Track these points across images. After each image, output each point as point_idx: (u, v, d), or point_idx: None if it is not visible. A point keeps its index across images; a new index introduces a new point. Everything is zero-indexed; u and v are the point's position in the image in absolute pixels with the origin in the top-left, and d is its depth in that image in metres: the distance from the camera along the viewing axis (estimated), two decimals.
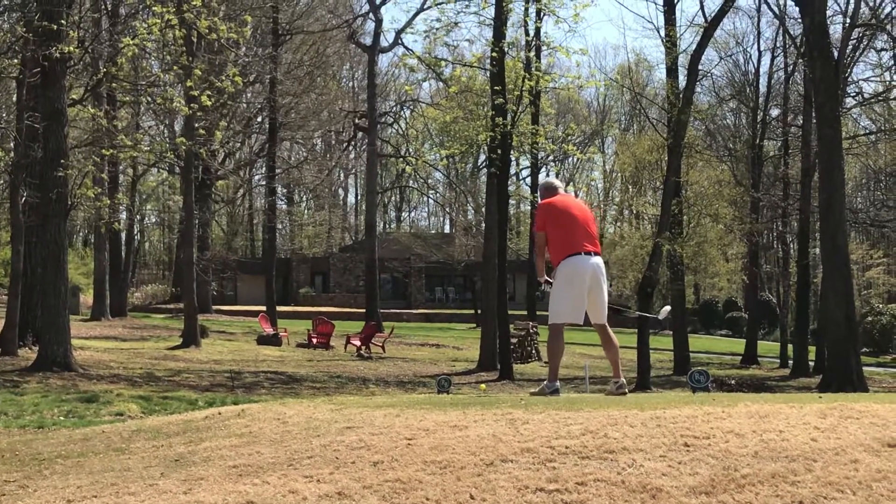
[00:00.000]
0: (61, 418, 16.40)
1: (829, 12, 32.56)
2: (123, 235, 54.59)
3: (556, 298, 10.19)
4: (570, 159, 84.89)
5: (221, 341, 39.54)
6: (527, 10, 35.27)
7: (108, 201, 32.45)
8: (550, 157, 69.28)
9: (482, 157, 66.06)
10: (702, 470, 6.27)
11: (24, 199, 27.80)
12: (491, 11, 33.22)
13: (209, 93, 27.18)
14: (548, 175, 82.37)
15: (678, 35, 36.72)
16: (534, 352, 38.82)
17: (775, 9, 45.52)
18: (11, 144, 29.72)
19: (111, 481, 7.13)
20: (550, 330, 10.38)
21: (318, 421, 8.81)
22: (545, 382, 10.40)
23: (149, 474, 7.33)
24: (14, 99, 32.64)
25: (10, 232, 31.80)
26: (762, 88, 50.06)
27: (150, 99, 33.78)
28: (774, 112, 50.97)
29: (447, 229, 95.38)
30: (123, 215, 53.18)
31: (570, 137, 59.49)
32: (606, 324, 10.36)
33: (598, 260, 10.18)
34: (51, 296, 24.21)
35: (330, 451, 7.42)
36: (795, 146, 46.38)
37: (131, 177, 57.63)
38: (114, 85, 30.25)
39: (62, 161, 24.29)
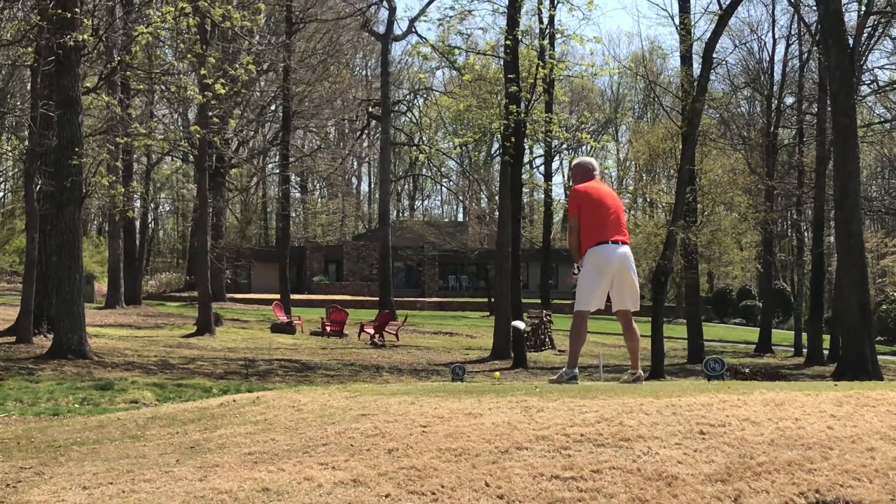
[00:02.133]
0: (76, 405, 16.45)
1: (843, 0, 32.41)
2: (138, 223, 54.73)
3: (583, 286, 10.12)
4: (584, 147, 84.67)
5: (235, 329, 39.62)
6: None
7: (123, 189, 32.59)
8: (564, 146, 69.26)
9: (496, 146, 66.20)
10: (717, 458, 6.26)
11: (38, 187, 27.86)
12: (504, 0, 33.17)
13: (223, 81, 27.22)
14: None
15: (692, 23, 36.61)
16: (547, 340, 38.80)
17: None
18: (26, 133, 29.86)
19: (126, 468, 7.14)
20: (575, 317, 10.30)
21: (332, 408, 8.81)
22: (564, 369, 10.34)
23: (164, 461, 7.34)
24: (28, 87, 32.73)
25: (25, 220, 31.85)
26: (777, 76, 49.95)
27: (163, 87, 33.89)
28: (789, 100, 50.84)
29: (460, 218, 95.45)
30: (137, 203, 53.41)
31: (583, 126, 59.52)
32: (630, 313, 10.31)
33: (626, 249, 10.12)
34: (65, 284, 24.28)
35: (345, 438, 7.42)
36: (810, 134, 46.22)
37: (145, 165, 57.80)
38: (128, 73, 30.30)
39: (76, 149, 24.34)
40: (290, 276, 53.38)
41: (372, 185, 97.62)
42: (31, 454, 8.37)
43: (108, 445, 8.59)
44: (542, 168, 65.15)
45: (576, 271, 10.45)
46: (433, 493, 5.92)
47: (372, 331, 37.54)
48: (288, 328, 39.58)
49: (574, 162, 11.09)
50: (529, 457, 6.48)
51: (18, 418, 14.34)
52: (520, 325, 11.50)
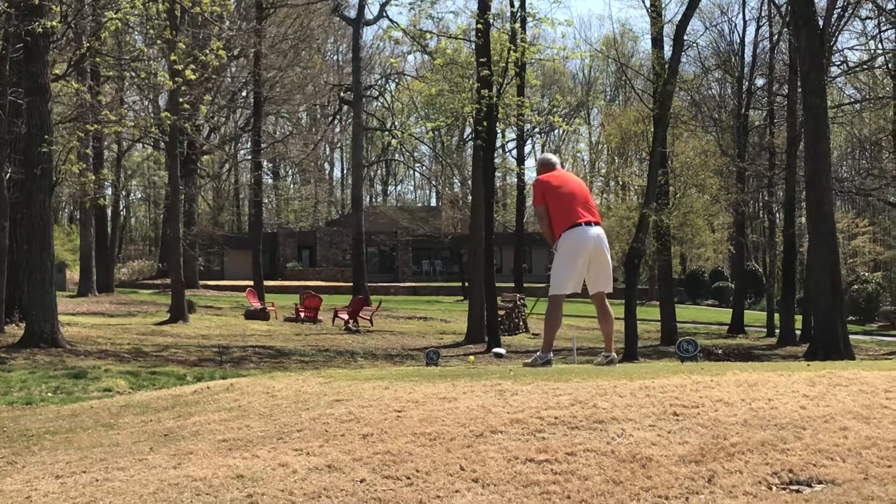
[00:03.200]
0: (49, 394, 16.37)
1: None
2: (109, 211, 54.47)
3: (558, 270, 10.18)
4: (556, 131, 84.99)
5: (209, 316, 39.53)
6: None
7: (93, 177, 32.37)
8: (536, 129, 69.45)
9: (468, 130, 66.13)
10: (691, 439, 6.28)
11: (8, 175, 27.66)
12: None
13: (193, 67, 27.10)
14: (542, 150, 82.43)
15: (663, 5, 36.70)
16: (521, 324, 38.88)
17: None
18: None
19: (100, 456, 7.11)
20: (550, 301, 10.33)
21: (307, 394, 8.80)
22: (538, 353, 10.37)
23: (138, 449, 7.31)
24: None
25: None
26: (747, 58, 50.10)
27: (133, 73, 33.70)
28: (760, 82, 51.03)
29: (433, 202, 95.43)
30: (109, 191, 53.15)
31: (555, 109, 59.57)
32: (605, 295, 10.37)
33: (599, 230, 10.16)
34: (37, 272, 24.13)
35: (319, 424, 7.41)
36: (781, 115, 46.38)
37: (116, 152, 57.46)
38: (97, 60, 30.11)
39: (46, 137, 24.17)
40: (264, 262, 53.33)
41: (344, 171, 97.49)
42: (4, 444, 8.33)
43: (81, 434, 8.56)
44: (514, 152, 65.20)
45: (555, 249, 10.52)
46: (408, 478, 5.92)
47: (346, 316, 37.53)
48: (262, 314, 39.52)
49: (537, 160, 11.23)
50: (504, 440, 6.49)
51: None
52: (501, 351, 11.62)
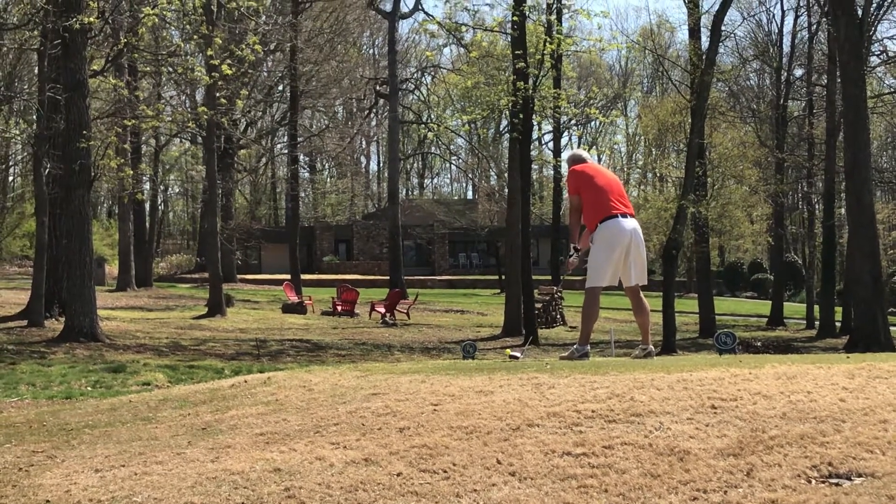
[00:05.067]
0: (88, 388, 16.50)
1: None
2: (147, 206, 54.72)
3: (595, 262, 10.04)
4: (593, 123, 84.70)
5: (246, 310, 39.70)
6: None
7: (132, 172, 32.56)
8: (573, 121, 69.14)
9: (504, 123, 65.98)
10: (729, 432, 6.24)
11: (47, 170, 27.88)
12: None
13: (229, 62, 27.17)
14: (579, 143, 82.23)
15: None
16: (559, 317, 38.80)
17: None
18: (34, 116, 29.82)
19: (139, 450, 7.15)
20: (587, 293, 10.22)
21: (343, 388, 8.82)
22: (575, 346, 10.31)
23: (176, 443, 7.35)
24: (36, 71, 32.70)
25: (35, 204, 31.92)
26: (786, 48, 49.74)
27: (170, 69, 33.79)
28: (798, 72, 50.66)
29: (470, 195, 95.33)
30: (147, 186, 53.38)
31: (592, 101, 59.36)
32: (639, 288, 10.29)
33: (635, 223, 10.07)
34: (76, 267, 24.30)
35: (356, 417, 7.43)
36: (820, 106, 46.04)
37: (154, 147, 57.80)
38: (134, 55, 30.29)
39: (84, 132, 24.33)
40: (301, 256, 53.50)
41: (381, 164, 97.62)
42: (44, 438, 8.39)
43: (119, 428, 8.61)
44: (551, 144, 65.11)
45: (572, 253, 10.45)
46: (445, 472, 5.92)
47: (383, 310, 37.57)
48: (299, 308, 39.62)
49: (567, 157, 11.15)
50: (541, 434, 6.47)
51: (31, 402, 14.39)
52: (516, 354, 11.54)
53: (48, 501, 5.91)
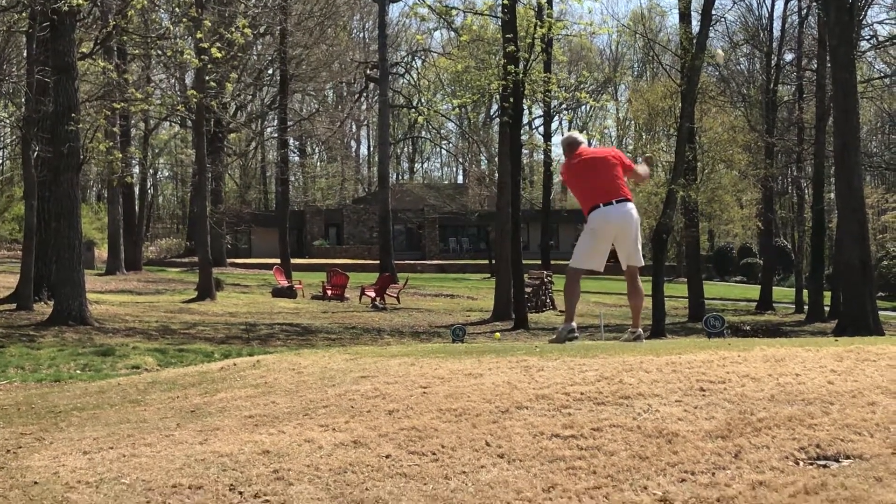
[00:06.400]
0: (77, 372, 16.47)
1: None
2: (136, 189, 54.69)
3: (578, 245, 10.34)
4: (583, 107, 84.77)
5: (236, 294, 39.67)
6: None
7: (121, 155, 32.49)
8: (563, 106, 69.06)
9: (494, 107, 66.01)
10: (718, 414, 6.26)
11: (36, 153, 27.80)
12: None
13: (219, 45, 27.09)
14: (570, 127, 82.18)
15: None
16: (548, 301, 38.84)
17: None
18: (22, 99, 29.70)
19: (127, 432, 7.15)
20: (567, 274, 10.52)
21: (333, 371, 8.82)
22: (560, 327, 10.41)
23: (165, 425, 7.35)
24: (24, 53, 32.58)
25: (24, 187, 31.83)
26: (776, 33, 49.81)
27: (160, 52, 33.70)
28: (788, 56, 50.68)
29: (460, 180, 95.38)
30: (136, 169, 53.31)
31: (582, 85, 59.42)
32: (636, 271, 10.39)
33: (626, 207, 10.17)
34: (65, 250, 24.24)
35: (345, 400, 7.43)
36: (810, 91, 46.09)
37: (143, 130, 57.67)
38: (123, 38, 30.12)
39: (73, 115, 24.24)
40: (291, 240, 53.45)
41: (371, 148, 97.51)
42: (32, 420, 8.38)
43: (108, 410, 8.60)
44: (541, 128, 64.91)
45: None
46: (434, 454, 5.92)
47: (373, 294, 37.57)
48: (289, 292, 39.61)
49: (561, 141, 11.29)
50: (530, 416, 6.48)
51: (20, 385, 14.36)
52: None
53: (36, 483, 5.90)
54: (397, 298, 38.47)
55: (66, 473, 6.04)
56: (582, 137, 11.16)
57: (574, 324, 10.34)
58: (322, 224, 76.84)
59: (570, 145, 10.76)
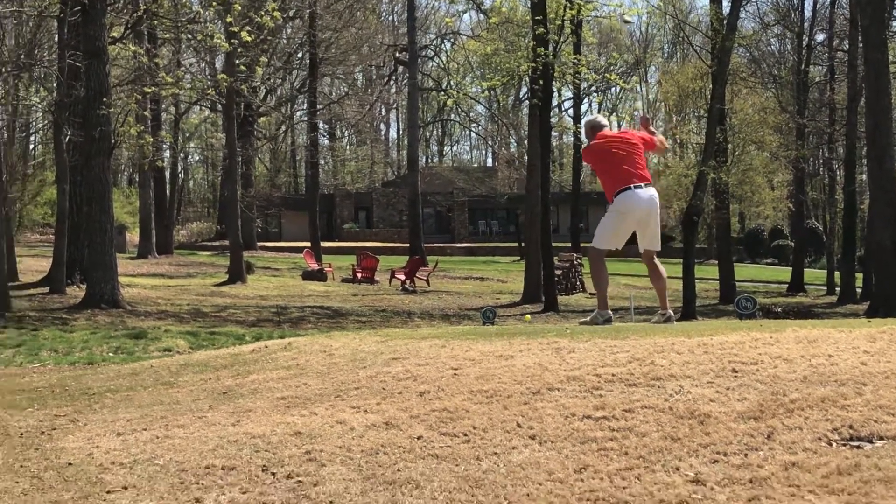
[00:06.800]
0: (110, 354, 16.58)
1: None
2: (167, 173, 54.85)
3: (603, 226, 10.24)
4: (613, 89, 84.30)
5: (267, 277, 39.79)
6: None
7: (151, 139, 32.57)
8: (593, 88, 68.78)
9: (524, 89, 65.76)
10: (750, 395, 6.23)
11: (67, 138, 27.91)
12: None
13: (249, 29, 27.11)
14: (599, 109, 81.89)
15: None
16: (578, 283, 38.77)
17: None
18: (54, 84, 29.82)
19: (160, 414, 7.19)
20: (590, 258, 10.50)
21: (364, 353, 8.84)
22: (595, 311, 10.36)
23: (197, 407, 7.39)
24: (56, 38, 32.68)
25: (56, 171, 31.98)
26: (807, 13, 49.45)
27: (190, 36, 33.76)
28: (820, 37, 50.32)
29: (489, 162, 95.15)
30: (167, 153, 53.47)
31: (612, 67, 59.03)
32: (654, 255, 10.35)
33: (650, 192, 10.11)
34: (97, 234, 24.37)
35: (376, 382, 7.45)
36: (841, 71, 45.74)
37: (174, 115, 57.80)
38: (154, 22, 30.21)
39: (104, 99, 24.34)
40: (321, 223, 53.57)
41: (400, 132, 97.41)
42: (66, 402, 8.45)
43: (141, 392, 8.66)
44: (571, 111, 64.85)
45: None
46: (465, 435, 5.93)
47: (403, 277, 37.61)
48: (319, 275, 39.67)
49: (583, 124, 11.24)
50: (561, 397, 6.48)
51: (53, 367, 14.47)
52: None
53: (70, 464, 5.95)
54: (427, 281, 38.49)
55: (99, 454, 6.09)
56: (605, 120, 11.12)
57: (609, 311, 10.30)
58: (352, 207, 76.91)
59: (594, 128, 10.72)
